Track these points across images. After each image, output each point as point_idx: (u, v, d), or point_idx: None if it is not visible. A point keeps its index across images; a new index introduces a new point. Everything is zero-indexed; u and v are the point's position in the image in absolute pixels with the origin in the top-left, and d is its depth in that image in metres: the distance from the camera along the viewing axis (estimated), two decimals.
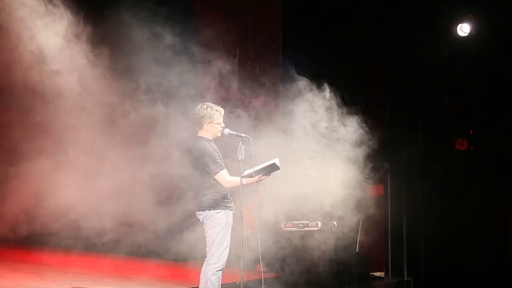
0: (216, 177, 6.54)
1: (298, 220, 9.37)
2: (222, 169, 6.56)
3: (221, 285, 6.58)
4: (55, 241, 10.08)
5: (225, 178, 6.56)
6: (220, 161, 6.59)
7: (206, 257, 6.58)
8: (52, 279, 8.81)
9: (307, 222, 9.34)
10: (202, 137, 6.69)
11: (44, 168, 9.20)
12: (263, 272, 7.33)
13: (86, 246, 9.84)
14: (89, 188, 8.61)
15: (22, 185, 9.78)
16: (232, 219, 6.63)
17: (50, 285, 8.45)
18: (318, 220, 9.29)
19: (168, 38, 8.82)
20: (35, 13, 7.52)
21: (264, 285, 7.29)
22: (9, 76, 8.08)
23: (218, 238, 6.53)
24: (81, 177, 8.79)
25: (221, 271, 6.53)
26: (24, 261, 9.96)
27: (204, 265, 6.59)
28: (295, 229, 9.34)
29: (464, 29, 10.18)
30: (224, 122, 6.74)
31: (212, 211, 6.57)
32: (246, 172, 6.62)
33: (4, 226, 9.82)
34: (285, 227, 9.41)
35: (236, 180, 6.58)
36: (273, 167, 6.66)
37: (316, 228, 9.28)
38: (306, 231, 9.29)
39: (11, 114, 9.44)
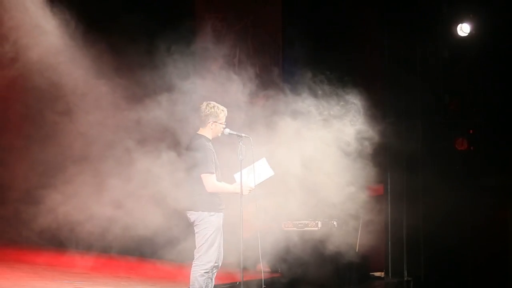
0: (203, 176, 6.52)
1: (298, 220, 9.37)
2: (211, 172, 6.55)
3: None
4: (56, 242, 10.10)
5: (211, 181, 6.52)
6: (213, 164, 6.58)
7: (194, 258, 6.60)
8: (52, 279, 8.81)
9: (307, 222, 9.34)
10: (202, 135, 6.70)
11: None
12: (263, 272, 7.32)
13: (86, 246, 9.84)
14: (90, 189, 8.61)
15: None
16: (222, 221, 6.64)
17: (50, 285, 8.45)
18: (318, 220, 9.29)
19: (168, 38, 8.82)
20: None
21: (264, 285, 7.28)
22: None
23: (210, 241, 6.54)
24: (82, 176, 8.80)
25: (208, 273, 6.55)
26: (24, 261, 9.96)
27: (192, 267, 6.59)
28: (295, 229, 9.33)
29: (464, 29, 10.17)
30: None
31: (206, 213, 6.56)
32: (237, 177, 6.63)
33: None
34: (285, 227, 9.40)
35: (222, 186, 6.60)
36: (264, 170, 6.68)
37: (316, 228, 9.28)
38: (306, 231, 9.28)
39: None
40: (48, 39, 7.82)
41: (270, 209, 8.79)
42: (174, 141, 8.04)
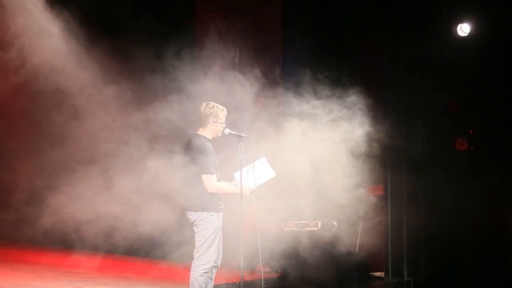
0: (203, 176, 6.52)
1: (298, 220, 9.37)
2: (212, 172, 6.56)
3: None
4: (60, 242, 10.10)
5: (211, 181, 6.53)
6: (213, 164, 6.58)
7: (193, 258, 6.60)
8: (52, 279, 8.82)
9: (307, 222, 9.34)
10: (202, 135, 6.70)
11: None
12: (263, 272, 7.33)
13: (89, 247, 9.84)
14: (91, 189, 8.62)
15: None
16: (221, 221, 6.65)
17: (50, 285, 8.46)
18: (318, 220, 9.29)
19: (168, 38, 8.82)
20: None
21: (264, 285, 7.29)
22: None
23: (209, 241, 6.55)
24: (83, 176, 8.81)
25: (208, 273, 6.56)
26: (24, 261, 9.97)
27: (192, 266, 6.60)
28: (295, 229, 9.33)
29: (464, 29, 10.17)
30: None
31: (205, 213, 6.56)
32: (237, 177, 6.64)
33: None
34: (285, 227, 9.40)
35: (223, 187, 6.61)
36: (265, 170, 6.69)
37: (316, 228, 9.28)
38: (306, 231, 9.28)
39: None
40: (52, 42, 7.85)
41: (270, 208, 8.81)
42: (175, 142, 8.04)
